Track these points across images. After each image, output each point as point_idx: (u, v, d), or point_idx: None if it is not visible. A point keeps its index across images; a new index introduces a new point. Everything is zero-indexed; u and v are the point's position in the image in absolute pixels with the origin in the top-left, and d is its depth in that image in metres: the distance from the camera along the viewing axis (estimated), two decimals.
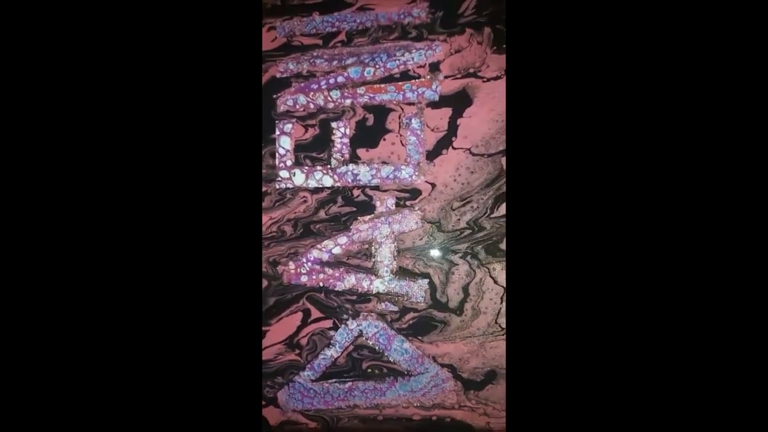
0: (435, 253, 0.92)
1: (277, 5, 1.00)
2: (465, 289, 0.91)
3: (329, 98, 0.97)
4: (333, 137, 0.96)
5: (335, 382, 0.94)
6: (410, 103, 0.95)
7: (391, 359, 0.93)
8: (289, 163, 0.97)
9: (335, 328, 0.94)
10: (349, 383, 0.93)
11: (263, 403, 0.95)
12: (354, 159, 0.95)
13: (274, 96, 0.98)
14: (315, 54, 0.98)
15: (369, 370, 0.93)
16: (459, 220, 0.92)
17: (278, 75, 0.99)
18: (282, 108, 0.98)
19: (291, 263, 0.95)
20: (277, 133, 0.98)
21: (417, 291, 0.92)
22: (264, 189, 0.97)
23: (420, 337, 0.92)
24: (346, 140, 0.96)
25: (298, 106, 0.98)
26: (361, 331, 0.93)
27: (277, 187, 0.97)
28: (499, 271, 0.90)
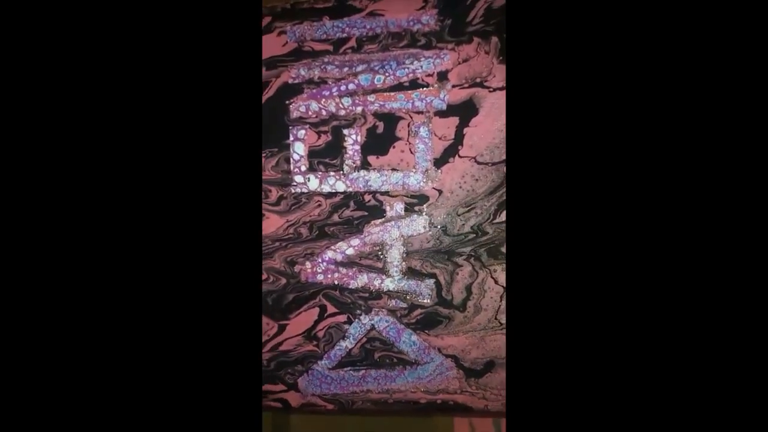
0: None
1: (286, 9, 1.02)
2: (468, 289, 0.99)
3: (341, 105, 1.01)
4: (345, 144, 1.01)
5: (350, 369, 1.04)
6: (419, 112, 0.99)
7: (400, 350, 1.02)
8: (303, 168, 1.02)
9: (349, 322, 1.03)
10: (363, 371, 1.03)
11: (284, 387, 1.05)
12: (365, 165, 1.01)
13: (287, 102, 1.02)
14: (326, 60, 1.01)
15: (380, 360, 1.03)
16: (464, 224, 0.98)
17: (290, 81, 1.02)
18: (295, 114, 1.02)
19: (308, 263, 1.03)
20: (291, 138, 1.02)
21: (424, 289, 1.00)
22: (280, 193, 1.02)
23: (427, 331, 1.01)
24: (357, 147, 1.01)
25: (310, 113, 1.02)
26: (373, 325, 1.02)
27: (293, 191, 1.02)
28: (500, 272, 0.98)
